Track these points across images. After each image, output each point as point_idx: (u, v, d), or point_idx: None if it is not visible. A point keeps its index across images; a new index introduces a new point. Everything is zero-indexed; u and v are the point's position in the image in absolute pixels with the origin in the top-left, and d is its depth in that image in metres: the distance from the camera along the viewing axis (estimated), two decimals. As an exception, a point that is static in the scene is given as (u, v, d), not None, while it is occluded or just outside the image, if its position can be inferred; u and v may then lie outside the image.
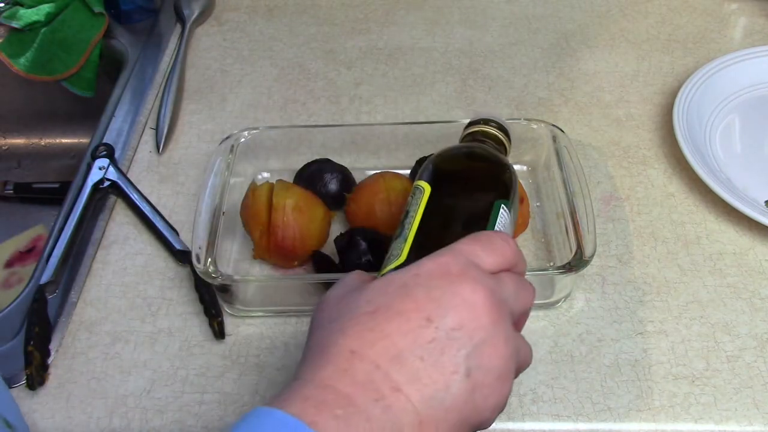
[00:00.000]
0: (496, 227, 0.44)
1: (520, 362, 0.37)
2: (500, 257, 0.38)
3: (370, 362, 0.33)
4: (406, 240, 0.43)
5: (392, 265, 0.42)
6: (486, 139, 0.53)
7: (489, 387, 0.34)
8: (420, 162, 0.64)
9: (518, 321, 0.39)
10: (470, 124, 0.54)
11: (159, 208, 0.65)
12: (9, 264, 0.84)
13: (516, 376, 0.37)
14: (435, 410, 0.33)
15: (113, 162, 0.69)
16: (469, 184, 0.48)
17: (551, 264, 0.60)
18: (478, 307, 0.34)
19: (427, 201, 0.45)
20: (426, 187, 0.46)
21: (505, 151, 0.54)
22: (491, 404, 0.35)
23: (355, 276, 0.39)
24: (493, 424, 0.50)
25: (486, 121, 0.54)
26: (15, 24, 0.79)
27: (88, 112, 0.88)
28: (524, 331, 0.56)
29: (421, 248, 0.39)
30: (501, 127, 0.54)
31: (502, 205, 0.45)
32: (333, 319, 0.36)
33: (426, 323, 0.34)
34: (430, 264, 0.36)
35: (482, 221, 0.44)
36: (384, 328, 0.34)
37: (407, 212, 0.45)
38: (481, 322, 0.34)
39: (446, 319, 0.34)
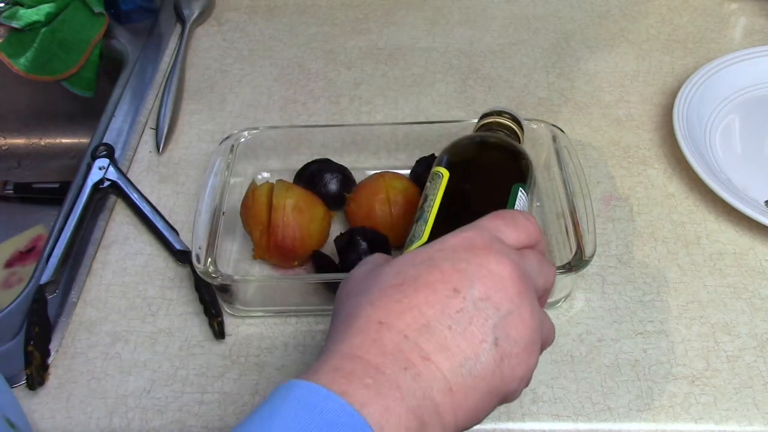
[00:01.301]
0: (515, 209, 0.44)
1: (545, 337, 0.38)
2: (523, 233, 0.38)
3: (399, 332, 0.33)
4: (427, 222, 0.43)
5: (415, 245, 0.42)
6: (500, 129, 0.54)
7: (516, 357, 0.35)
8: (420, 162, 0.64)
9: (541, 298, 0.39)
10: (484, 116, 0.56)
11: (159, 208, 0.65)
12: (9, 264, 0.84)
13: (541, 351, 0.37)
14: (465, 378, 0.33)
15: (113, 162, 0.69)
16: (488, 169, 0.49)
17: (551, 264, 0.60)
18: (504, 279, 0.35)
19: (446, 185, 0.46)
20: (445, 173, 0.47)
21: (519, 140, 0.55)
22: (519, 374, 0.35)
23: (378, 255, 0.40)
24: (494, 424, 0.50)
25: (499, 113, 0.55)
26: (15, 24, 0.79)
27: (88, 112, 0.88)
28: (524, 331, 0.56)
29: (443, 228, 0.40)
30: (514, 118, 0.55)
31: (521, 189, 0.46)
32: (360, 292, 0.36)
33: (453, 294, 0.34)
34: (454, 239, 0.37)
35: (502, 203, 0.45)
36: (412, 299, 0.34)
37: (426, 196, 0.46)
38: (508, 294, 0.35)
39: (473, 289, 0.34)
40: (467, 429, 0.35)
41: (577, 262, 0.53)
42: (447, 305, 0.34)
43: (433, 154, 0.64)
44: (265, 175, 0.68)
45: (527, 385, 0.37)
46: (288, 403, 0.31)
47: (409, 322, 0.33)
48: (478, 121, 0.56)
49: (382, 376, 0.32)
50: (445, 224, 0.42)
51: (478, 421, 0.35)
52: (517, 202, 0.45)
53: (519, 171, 0.49)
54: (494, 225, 0.38)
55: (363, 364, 0.32)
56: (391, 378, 0.32)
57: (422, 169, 0.63)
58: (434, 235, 0.41)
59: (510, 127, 0.54)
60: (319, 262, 0.58)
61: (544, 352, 0.54)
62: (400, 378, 0.32)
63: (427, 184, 0.47)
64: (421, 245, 0.41)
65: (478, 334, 0.34)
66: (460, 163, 0.48)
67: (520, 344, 0.35)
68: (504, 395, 0.35)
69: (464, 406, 0.33)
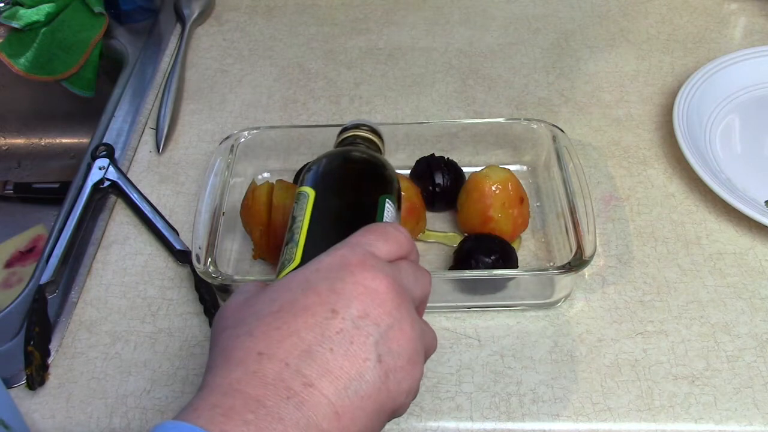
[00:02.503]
0: (384, 221, 0.44)
1: (427, 346, 0.38)
2: (395, 245, 0.38)
3: (279, 361, 0.32)
4: (297, 243, 0.42)
5: (288, 269, 0.41)
6: (360, 142, 0.53)
7: (401, 370, 0.34)
8: (420, 162, 0.64)
9: (419, 307, 0.39)
10: (342, 131, 0.55)
11: (159, 208, 0.65)
12: (9, 264, 0.84)
13: (425, 361, 0.37)
14: (351, 400, 0.33)
15: (113, 162, 0.69)
16: (352, 183, 0.48)
17: (551, 264, 0.60)
18: (381, 294, 0.35)
19: (313, 204, 0.45)
20: (311, 192, 0.46)
21: (380, 151, 0.55)
22: (405, 388, 0.35)
23: (251, 284, 0.39)
24: (494, 424, 0.50)
25: (357, 126, 0.54)
26: (15, 24, 0.79)
27: (88, 112, 0.88)
28: (523, 331, 0.56)
29: (314, 249, 0.40)
30: (372, 130, 0.54)
31: (387, 200, 0.46)
32: (237, 324, 0.35)
33: (332, 315, 0.34)
34: (328, 258, 0.36)
35: (370, 217, 0.44)
36: (290, 325, 0.34)
37: (294, 218, 0.45)
38: (386, 308, 0.35)
39: (351, 309, 0.34)
40: None
41: (577, 262, 0.53)
42: (326, 327, 0.33)
43: (433, 154, 0.64)
44: (265, 175, 0.68)
45: (414, 397, 0.37)
46: None
47: (290, 349, 0.33)
48: (337, 136, 0.55)
49: (263, 409, 0.31)
50: (317, 244, 0.41)
51: None
52: (385, 214, 0.45)
53: (384, 182, 0.48)
54: (366, 240, 0.38)
55: (243, 399, 0.31)
56: (273, 410, 0.31)
57: (422, 169, 0.63)
58: (306, 256, 0.41)
59: (370, 139, 0.54)
60: (319, 262, 0.58)
61: (545, 351, 0.54)
62: (283, 409, 0.31)
63: (294, 205, 0.46)
64: (295, 268, 0.40)
65: (361, 353, 0.33)
66: (324, 181, 0.47)
67: (403, 357, 0.35)
68: (392, 411, 0.35)
69: (352, 428, 0.33)
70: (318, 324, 0.33)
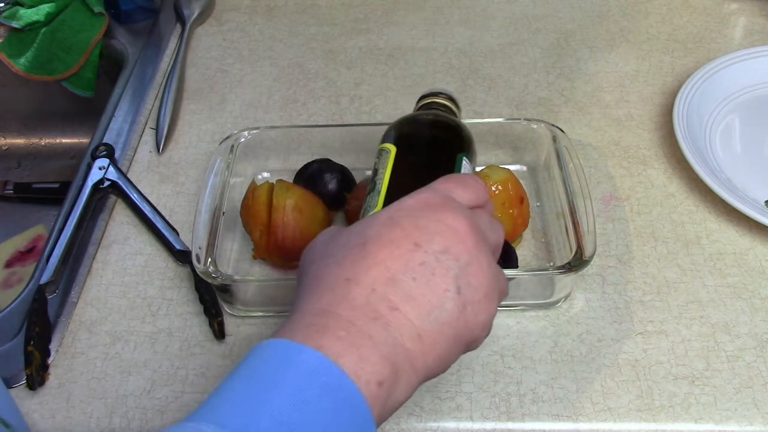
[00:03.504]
0: None
1: (501, 288, 0.39)
2: (473, 194, 0.41)
3: (366, 287, 0.35)
4: (380, 192, 0.45)
5: (371, 214, 0.44)
6: (437, 108, 0.56)
7: (478, 304, 0.37)
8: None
9: (493, 253, 0.41)
10: (421, 98, 0.58)
11: (159, 208, 0.65)
12: (9, 264, 0.84)
13: (498, 302, 0.39)
14: (432, 325, 0.35)
15: (113, 162, 0.69)
16: (432, 141, 0.52)
17: (551, 264, 0.60)
18: (460, 232, 0.37)
19: (395, 158, 0.48)
20: (392, 148, 0.49)
21: (457, 117, 0.58)
22: (481, 321, 0.37)
23: (334, 227, 0.41)
24: (494, 424, 0.50)
25: (436, 94, 0.57)
26: (15, 24, 0.79)
27: (88, 112, 0.88)
28: (523, 331, 0.56)
29: (396, 197, 0.41)
30: (450, 98, 0.57)
31: (464, 158, 0.49)
32: (324, 256, 0.38)
33: (415, 248, 0.36)
34: (411, 200, 0.38)
35: (449, 170, 0.47)
36: (376, 255, 0.36)
37: (376, 170, 0.47)
38: (465, 246, 0.37)
39: (433, 243, 0.36)
40: (436, 375, 0.37)
41: (577, 262, 0.53)
42: (410, 259, 0.36)
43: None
44: (265, 175, 0.68)
45: (488, 334, 0.39)
46: (266, 362, 0.32)
47: (376, 277, 0.35)
48: (417, 101, 0.58)
49: (353, 328, 0.34)
50: (397, 193, 0.43)
51: (447, 367, 0.37)
52: (462, 170, 0.48)
53: (460, 142, 0.51)
54: (446, 186, 0.40)
55: (336, 318, 0.34)
56: (363, 329, 0.34)
57: (422, 169, 0.63)
58: (388, 203, 0.43)
59: (446, 105, 0.57)
60: (319, 261, 0.58)
61: (545, 351, 0.54)
62: (371, 328, 0.34)
63: (376, 159, 0.49)
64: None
65: (441, 284, 0.36)
66: (405, 139, 0.50)
67: (480, 291, 0.37)
68: (468, 342, 0.37)
69: (433, 351, 0.35)
70: (402, 255, 0.36)
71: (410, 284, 0.35)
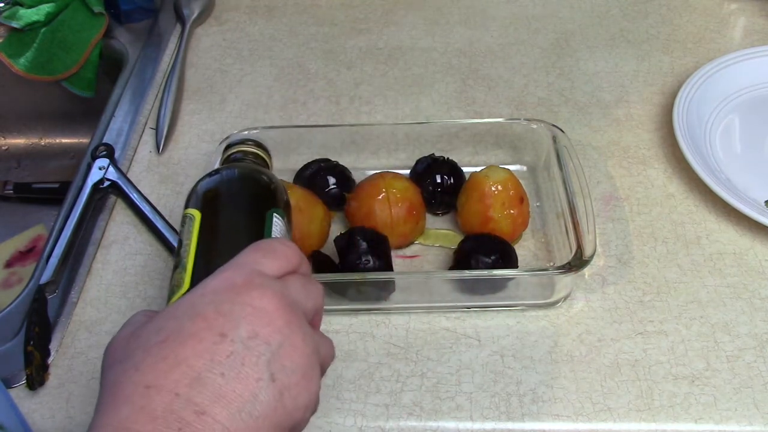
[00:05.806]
0: (272, 236, 0.43)
1: (323, 358, 0.37)
2: (283, 261, 0.38)
3: (168, 392, 0.31)
4: (185, 268, 0.42)
5: (177, 296, 0.40)
6: (245, 158, 0.53)
7: (296, 386, 0.34)
8: (420, 162, 0.64)
9: (313, 320, 0.39)
10: (227, 147, 0.54)
11: (159, 208, 0.65)
12: (9, 264, 0.84)
13: (322, 373, 0.37)
14: (246, 422, 0.32)
15: (113, 162, 0.69)
16: (237, 201, 0.47)
17: (551, 264, 0.60)
18: (269, 312, 0.34)
19: (200, 226, 0.44)
20: (196, 214, 0.45)
21: (267, 166, 0.54)
22: (302, 404, 0.34)
23: (140, 314, 0.38)
24: (493, 424, 0.50)
25: (242, 141, 0.54)
26: (15, 24, 0.79)
27: (88, 112, 0.88)
28: (523, 331, 0.56)
29: (203, 272, 0.39)
30: (258, 144, 0.54)
31: (275, 214, 0.45)
32: (124, 358, 0.34)
33: (221, 339, 0.33)
34: (213, 281, 0.36)
35: (258, 233, 0.43)
36: (178, 353, 0.32)
37: (181, 242, 0.44)
38: (276, 326, 0.34)
39: (240, 330, 0.33)
40: None
41: (577, 262, 0.53)
42: (216, 352, 0.33)
43: (433, 154, 0.64)
44: (265, 175, 0.68)
45: (315, 412, 0.36)
46: None
47: (178, 379, 0.32)
48: (223, 153, 0.55)
49: None
50: (205, 267, 0.40)
51: None
52: (273, 229, 0.44)
53: (270, 195, 0.47)
54: (252, 258, 0.37)
55: None
56: None
57: (422, 169, 0.63)
58: (195, 280, 0.40)
59: (255, 153, 0.53)
60: (319, 262, 0.58)
61: (545, 351, 0.54)
62: None
63: (180, 228, 0.45)
64: (184, 293, 0.39)
65: (253, 373, 0.33)
66: (209, 201, 0.46)
67: (297, 373, 0.34)
68: (292, 427, 0.35)
69: None
70: (207, 350, 0.33)
71: (218, 381, 0.32)
